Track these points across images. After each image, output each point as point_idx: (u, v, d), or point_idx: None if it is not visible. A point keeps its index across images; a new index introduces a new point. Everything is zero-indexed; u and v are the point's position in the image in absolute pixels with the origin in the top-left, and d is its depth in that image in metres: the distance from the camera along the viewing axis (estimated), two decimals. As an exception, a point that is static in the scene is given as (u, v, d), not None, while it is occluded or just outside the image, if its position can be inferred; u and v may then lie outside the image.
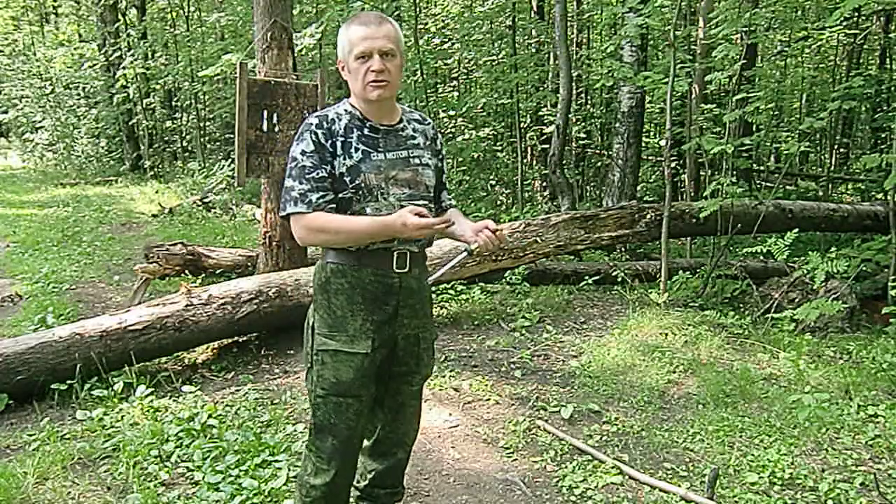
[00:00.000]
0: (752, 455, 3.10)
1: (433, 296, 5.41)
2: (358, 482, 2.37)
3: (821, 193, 10.20)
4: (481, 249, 2.08)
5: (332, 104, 2.21)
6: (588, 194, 11.56)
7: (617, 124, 8.57)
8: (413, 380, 2.22)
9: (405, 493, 2.47)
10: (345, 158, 2.01)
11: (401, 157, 2.08)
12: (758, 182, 11.29)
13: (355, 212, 2.01)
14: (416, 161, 2.11)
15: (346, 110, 2.08)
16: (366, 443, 2.32)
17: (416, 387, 2.25)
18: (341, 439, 2.10)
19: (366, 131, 2.05)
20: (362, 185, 2.00)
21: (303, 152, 2.01)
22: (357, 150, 2.02)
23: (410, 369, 2.19)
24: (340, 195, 2.01)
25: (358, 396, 2.08)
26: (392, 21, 2.05)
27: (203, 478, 2.83)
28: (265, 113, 4.80)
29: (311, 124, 2.03)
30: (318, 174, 1.99)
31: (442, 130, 11.88)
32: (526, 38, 12.06)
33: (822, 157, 13.52)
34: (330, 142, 2.01)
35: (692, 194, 7.34)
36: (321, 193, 1.99)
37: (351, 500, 2.36)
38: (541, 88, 11.00)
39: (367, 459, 2.33)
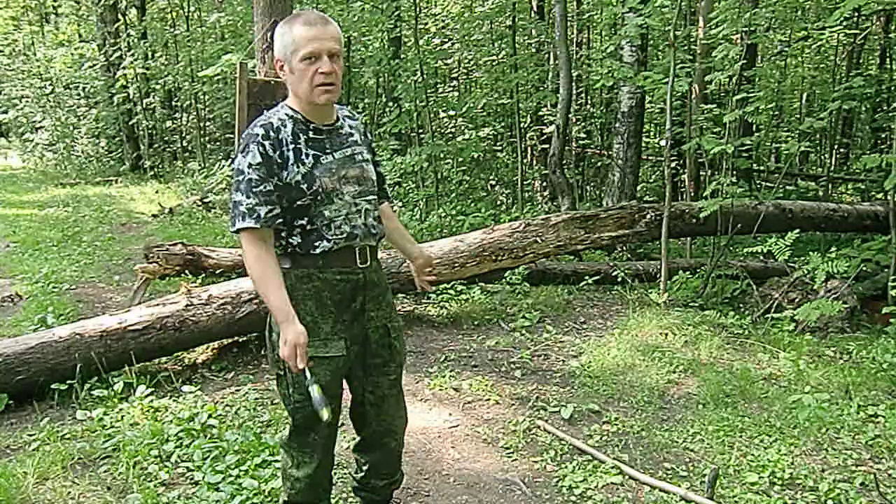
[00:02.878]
0: (752, 455, 3.10)
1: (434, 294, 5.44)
2: (355, 474, 2.43)
3: (821, 193, 10.18)
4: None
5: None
6: (588, 194, 11.55)
7: (617, 124, 8.56)
8: (389, 369, 2.25)
9: (402, 481, 2.51)
10: (298, 166, 1.98)
11: (346, 155, 2.09)
12: (758, 182, 11.27)
13: (313, 216, 2.00)
14: (360, 157, 2.12)
15: (287, 115, 2.05)
16: (356, 439, 2.37)
17: (393, 375, 2.27)
18: (323, 434, 2.15)
19: (311, 134, 2.04)
20: (320, 189, 1.99)
21: (249, 165, 1.96)
22: (308, 155, 2.01)
23: (385, 359, 2.22)
24: (298, 203, 1.98)
25: (335, 395, 2.12)
26: (334, 22, 2.04)
27: (203, 478, 2.83)
28: (265, 113, 4.79)
29: (258, 135, 1.98)
30: (265, 187, 1.95)
31: (442, 130, 11.89)
32: (526, 38, 12.05)
33: (822, 157, 13.51)
34: (278, 152, 1.98)
35: (692, 194, 7.33)
36: (269, 208, 1.96)
37: (349, 491, 2.38)
38: (541, 88, 10.99)
39: (361, 453, 2.38)
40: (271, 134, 1.97)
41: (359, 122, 2.20)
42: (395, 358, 2.25)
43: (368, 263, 2.10)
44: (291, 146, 1.98)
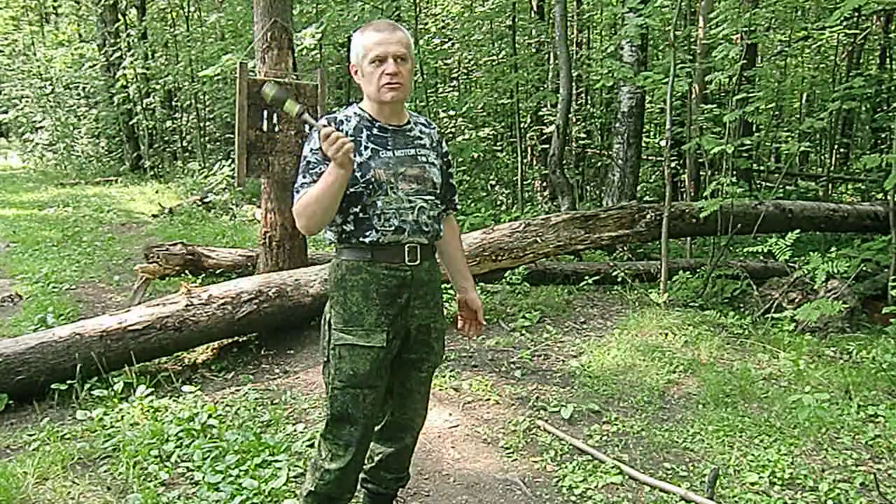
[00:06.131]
0: (752, 455, 3.10)
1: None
2: (365, 465, 2.45)
3: (821, 193, 10.19)
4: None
5: (330, 104, 2.26)
6: (588, 194, 11.55)
7: (617, 124, 8.57)
8: (422, 366, 2.31)
9: (408, 481, 2.54)
10: (355, 156, 2.10)
11: (409, 154, 2.19)
12: (758, 182, 11.29)
13: (366, 205, 2.12)
14: (424, 159, 2.22)
15: (355, 113, 2.20)
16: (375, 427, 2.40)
17: (424, 373, 2.33)
18: (359, 427, 2.19)
19: (375, 131, 2.17)
20: (372, 179, 2.11)
21: (311, 150, 2.13)
22: (367, 148, 2.14)
23: (420, 357, 2.28)
24: (352, 190, 2.10)
25: (374, 387, 2.18)
26: (403, 29, 2.16)
27: (203, 478, 2.83)
28: (265, 113, 4.80)
29: (321, 125, 2.16)
30: (319, 169, 2.09)
31: (442, 130, 11.89)
32: (526, 38, 12.05)
33: (822, 157, 13.52)
34: None
35: (692, 194, 7.34)
36: None
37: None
38: (541, 88, 10.99)
39: (376, 443, 2.42)
40: (332, 125, 2.09)
41: (433, 132, 2.31)
42: (430, 357, 2.31)
43: (418, 262, 2.17)
44: (350, 139, 2.10)
